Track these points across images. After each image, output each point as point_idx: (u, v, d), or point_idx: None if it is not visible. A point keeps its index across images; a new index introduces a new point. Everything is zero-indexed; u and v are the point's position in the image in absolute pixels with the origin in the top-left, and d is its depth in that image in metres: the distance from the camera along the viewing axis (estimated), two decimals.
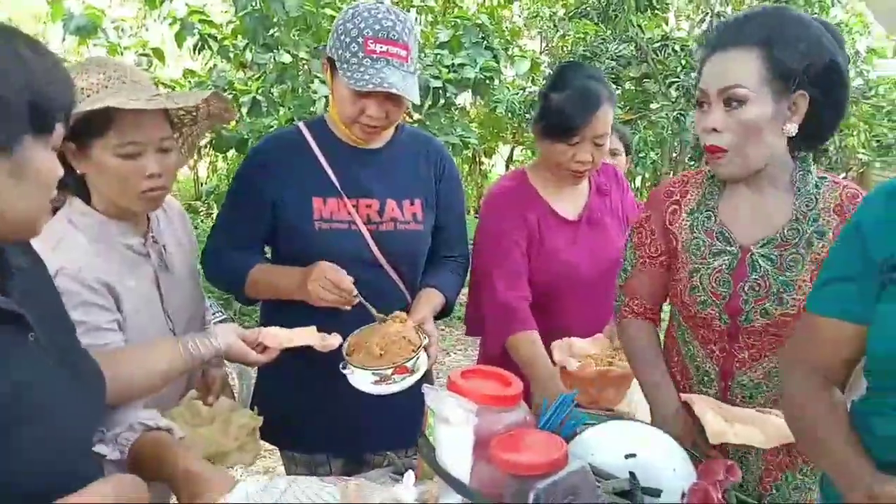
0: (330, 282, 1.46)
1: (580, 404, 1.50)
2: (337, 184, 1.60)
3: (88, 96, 1.25)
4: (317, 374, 1.52)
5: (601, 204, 1.90)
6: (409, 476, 1.14)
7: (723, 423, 1.31)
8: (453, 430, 1.17)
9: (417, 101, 1.57)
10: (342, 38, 1.49)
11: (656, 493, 1.17)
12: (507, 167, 10.37)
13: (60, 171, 0.89)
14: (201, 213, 10.19)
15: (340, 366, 1.45)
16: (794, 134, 1.33)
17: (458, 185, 1.77)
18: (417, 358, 1.45)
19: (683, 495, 1.20)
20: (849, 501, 0.95)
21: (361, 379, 1.44)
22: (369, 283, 1.57)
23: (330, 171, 1.60)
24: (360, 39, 1.47)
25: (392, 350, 1.43)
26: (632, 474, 1.16)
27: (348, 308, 1.49)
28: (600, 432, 1.26)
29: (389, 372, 1.41)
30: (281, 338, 1.38)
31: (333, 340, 1.43)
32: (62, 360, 0.93)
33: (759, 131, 1.31)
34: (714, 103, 1.33)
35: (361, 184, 1.62)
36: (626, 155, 2.64)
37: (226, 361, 1.55)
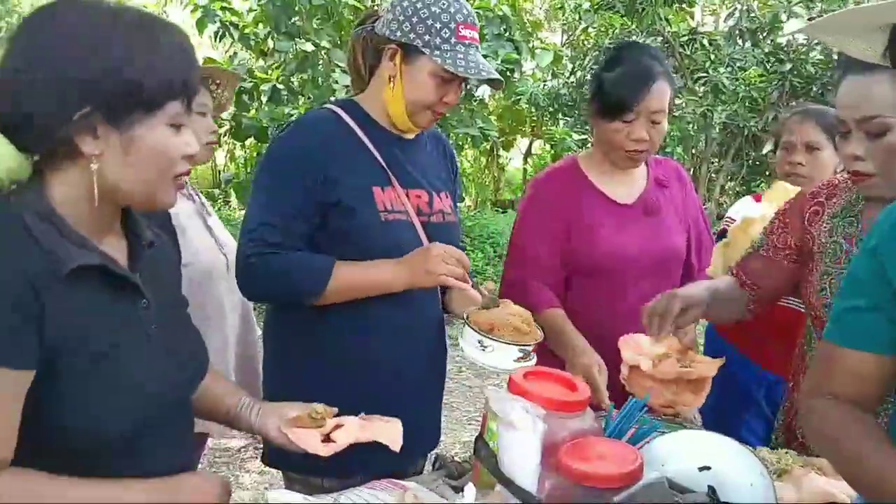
0: (451, 255, 1.37)
1: (651, 408, 1.41)
2: (389, 172, 1.47)
3: None
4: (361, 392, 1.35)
5: (659, 195, 1.81)
6: (470, 489, 1.06)
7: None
8: (519, 435, 1.09)
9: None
10: (428, 22, 1.40)
11: None
12: (526, 160, 10.26)
13: (182, 147, 0.92)
14: (219, 201, 10.16)
15: (477, 342, 1.34)
16: None
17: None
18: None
19: None
20: None
21: (504, 356, 1.35)
22: None
23: (380, 159, 1.47)
24: (451, 25, 1.41)
25: (533, 327, 1.39)
26: (711, 489, 1.08)
27: (466, 286, 1.38)
28: (672, 442, 1.18)
29: (530, 348, 1.35)
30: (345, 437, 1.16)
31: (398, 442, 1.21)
32: (164, 330, 0.98)
33: None
34: (854, 131, 1.29)
35: (410, 174, 1.50)
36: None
37: None
